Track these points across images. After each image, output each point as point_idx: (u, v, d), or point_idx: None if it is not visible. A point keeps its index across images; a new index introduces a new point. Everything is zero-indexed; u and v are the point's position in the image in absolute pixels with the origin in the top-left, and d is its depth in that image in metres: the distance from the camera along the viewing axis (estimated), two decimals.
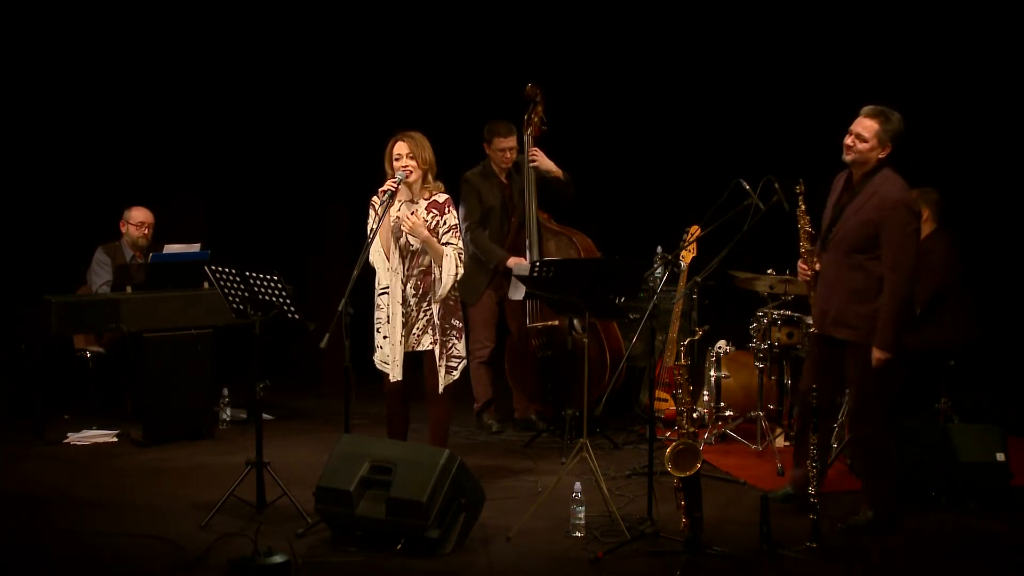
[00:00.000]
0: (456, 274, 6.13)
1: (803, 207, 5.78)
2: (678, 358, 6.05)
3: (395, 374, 6.15)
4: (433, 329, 6.15)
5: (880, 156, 5.66)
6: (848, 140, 5.68)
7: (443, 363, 6.18)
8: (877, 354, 5.61)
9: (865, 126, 5.64)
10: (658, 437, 6.66)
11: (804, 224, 5.79)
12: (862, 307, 5.65)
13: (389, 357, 6.16)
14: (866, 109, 5.70)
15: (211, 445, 7.47)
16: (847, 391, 6.04)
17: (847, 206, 5.71)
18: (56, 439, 7.48)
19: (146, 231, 8.11)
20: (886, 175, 5.66)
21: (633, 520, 5.69)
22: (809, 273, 5.85)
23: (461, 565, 5.30)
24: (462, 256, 6.18)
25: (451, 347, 6.22)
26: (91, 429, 7.61)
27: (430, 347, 6.18)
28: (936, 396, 7.16)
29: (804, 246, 5.87)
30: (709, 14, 9.00)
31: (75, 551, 5.48)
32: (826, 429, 5.97)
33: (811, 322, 6.20)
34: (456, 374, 6.25)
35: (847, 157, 5.70)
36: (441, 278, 6.10)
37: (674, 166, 9.02)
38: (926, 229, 7.22)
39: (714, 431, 7.48)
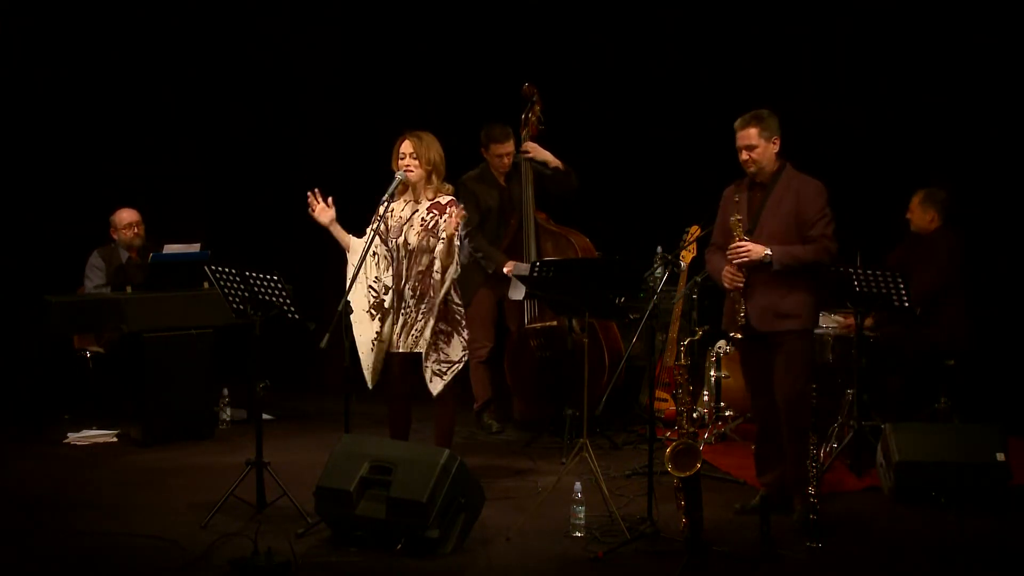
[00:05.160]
0: (450, 268, 5.99)
1: (738, 216, 5.78)
2: (678, 358, 6.04)
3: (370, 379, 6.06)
4: (431, 332, 6.01)
5: (775, 151, 5.82)
6: (743, 157, 5.82)
7: (430, 366, 6.03)
8: (762, 250, 5.68)
9: (749, 136, 5.80)
10: (658, 437, 6.66)
11: (740, 233, 5.78)
12: (797, 295, 5.77)
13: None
14: (738, 123, 5.83)
15: (211, 445, 7.47)
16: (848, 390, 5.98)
17: (764, 206, 5.81)
18: (56, 439, 7.49)
19: (136, 230, 8.09)
20: (791, 171, 5.85)
21: (633, 520, 5.69)
22: (742, 281, 5.82)
23: (461, 565, 5.30)
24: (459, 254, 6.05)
25: (439, 350, 6.06)
26: (91, 429, 7.62)
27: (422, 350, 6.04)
28: (936, 396, 7.15)
29: None
30: (709, 14, 8.99)
31: (75, 551, 5.47)
32: (778, 430, 5.92)
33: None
34: (447, 378, 6.05)
35: (752, 170, 5.83)
36: (441, 276, 5.98)
37: (674, 166, 9.01)
38: (932, 227, 7.23)
39: (714, 431, 7.48)
